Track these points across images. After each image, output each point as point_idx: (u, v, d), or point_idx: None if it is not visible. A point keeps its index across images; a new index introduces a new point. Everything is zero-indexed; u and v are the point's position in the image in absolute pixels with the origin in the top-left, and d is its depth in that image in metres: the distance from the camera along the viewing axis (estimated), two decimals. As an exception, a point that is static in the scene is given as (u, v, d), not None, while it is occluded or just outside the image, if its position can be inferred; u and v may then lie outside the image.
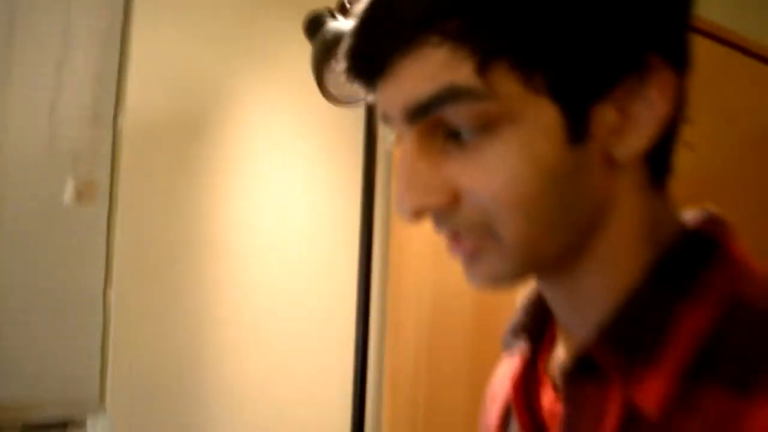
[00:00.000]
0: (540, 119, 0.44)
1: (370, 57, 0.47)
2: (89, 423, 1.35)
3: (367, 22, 0.46)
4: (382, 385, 1.60)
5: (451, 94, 0.44)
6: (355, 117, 1.49)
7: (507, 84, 0.44)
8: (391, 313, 1.58)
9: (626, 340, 0.46)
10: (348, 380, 1.35)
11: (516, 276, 0.49)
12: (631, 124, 0.46)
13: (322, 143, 1.57)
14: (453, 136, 0.46)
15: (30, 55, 1.30)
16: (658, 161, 0.50)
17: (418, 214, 0.48)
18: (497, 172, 0.45)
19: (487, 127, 0.45)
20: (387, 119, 0.49)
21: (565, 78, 0.44)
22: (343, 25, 1.24)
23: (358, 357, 1.32)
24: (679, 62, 0.47)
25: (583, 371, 0.48)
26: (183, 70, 1.43)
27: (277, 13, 1.50)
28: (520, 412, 0.55)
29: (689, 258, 0.48)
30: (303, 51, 1.25)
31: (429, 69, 0.44)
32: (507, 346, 0.59)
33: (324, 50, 1.24)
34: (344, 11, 1.30)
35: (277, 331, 1.49)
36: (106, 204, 1.34)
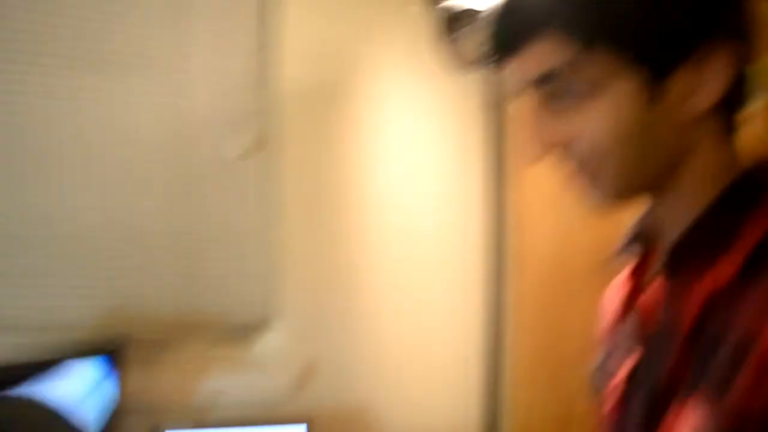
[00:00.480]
0: (625, 87, 0.63)
1: (506, 41, 0.67)
2: (265, 329, 1.73)
3: (503, 16, 0.67)
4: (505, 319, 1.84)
5: (564, 69, 0.64)
6: (474, 82, 1.71)
7: (602, 61, 0.63)
8: (516, 251, 1.82)
9: (709, 235, 0.66)
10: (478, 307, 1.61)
11: (618, 198, 0.69)
12: (699, 88, 0.63)
13: (445, 107, 1.82)
14: (564, 98, 0.66)
15: (202, 32, 1.60)
16: (726, 114, 0.67)
17: (543, 153, 0.68)
18: (593, 126, 0.65)
19: (588, 92, 0.64)
20: (516, 86, 0.69)
21: (644, 57, 0.63)
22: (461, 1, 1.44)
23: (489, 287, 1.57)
24: (738, 34, 0.64)
25: (676, 262, 0.67)
26: (327, 44, 1.71)
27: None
28: (632, 296, 0.75)
29: (752, 184, 0.66)
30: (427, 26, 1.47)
31: (549, 50, 0.64)
32: (620, 254, 0.78)
33: (445, 24, 1.46)
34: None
35: (412, 258, 1.79)
36: (269, 155, 1.65)
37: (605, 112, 0.64)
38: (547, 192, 1.69)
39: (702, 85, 0.64)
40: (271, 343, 1.74)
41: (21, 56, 1.47)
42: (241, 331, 1.72)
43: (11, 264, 1.47)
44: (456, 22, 1.45)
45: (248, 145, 1.61)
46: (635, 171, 0.67)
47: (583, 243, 1.59)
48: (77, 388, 1.34)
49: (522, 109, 0.70)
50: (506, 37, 0.67)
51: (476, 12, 1.45)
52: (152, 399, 1.52)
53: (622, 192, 0.68)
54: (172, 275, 1.58)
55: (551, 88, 0.66)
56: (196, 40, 1.59)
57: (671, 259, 0.68)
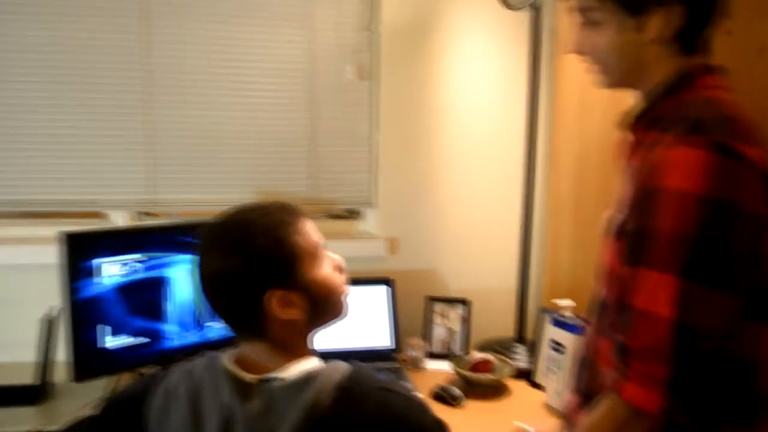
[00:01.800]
0: (621, 22, 1.05)
1: None
2: (365, 211, 2.25)
3: None
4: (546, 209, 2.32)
5: (586, 6, 1.08)
6: (525, 23, 2.06)
7: (609, 4, 1.05)
8: (553, 149, 2.27)
9: (643, 112, 1.09)
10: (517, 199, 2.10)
11: (615, 86, 1.13)
12: (662, 22, 1.03)
13: (506, 37, 2.20)
14: (588, 24, 1.09)
15: None
16: (685, 41, 1.06)
17: (577, 53, 1.13)
18: (601, 43, 1.08)
19: (599, 23, 1.07)
20: (570, 10, 1.14)
21: (629, 7, 1.04)
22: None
23: (526, 184, 2.06)
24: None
25: (633, 127, 1.11)
26: None
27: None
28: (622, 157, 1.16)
29: (677, 83, 1.06)
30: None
31: None
32: (621, 126, 1.15)
33: None
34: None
35: (472, 156, 2.23)
36: (372, 80, 2.14)
37: (608, 36, 1.07)
38: (575, 103, 2.09)
39: (666, 21, 1.03)
40: (369, 221, 2.25)
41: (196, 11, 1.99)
42: (349, 212, 2.26)
43: (186, 161, 2.05)
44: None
45: (358, 73, 2.10)
46: (622, 72, 1.10)
47: (601, 142, 1.95)
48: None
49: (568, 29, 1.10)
50: None
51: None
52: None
53: (616, 83, 1.13)
54: (301, 170, 2.13)
55: (583, 15, 1.09)
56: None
57: (631, 126, 1.10)
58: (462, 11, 2.16)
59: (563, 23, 2.11)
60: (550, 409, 1.76)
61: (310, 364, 1.01)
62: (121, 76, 1.97)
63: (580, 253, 2.05)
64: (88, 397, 1.67)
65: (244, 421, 0.95)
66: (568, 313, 1.79)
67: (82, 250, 1.60)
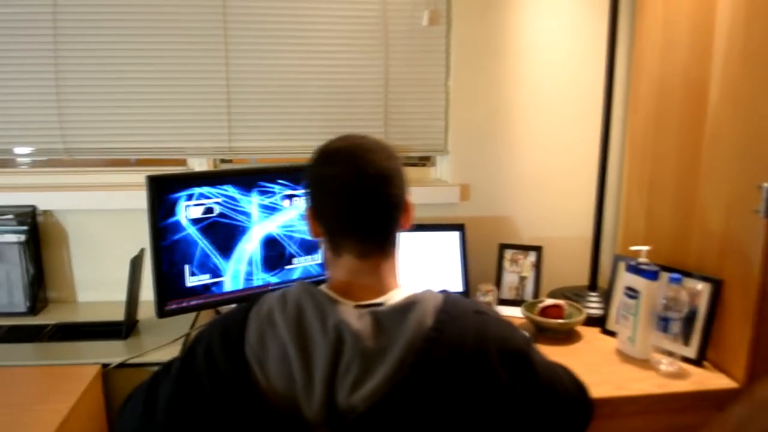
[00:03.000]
0: None
1: None
2: (438, 158, 2.26)
3: None
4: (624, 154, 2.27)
5: None
6: None
7: None
8: (632, 92, 2.21)
9: None
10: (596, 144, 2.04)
11: None
12: None
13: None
14: None
15: None
16: None
17: None
18: None
19: None
20: None
21: None
22: None
23: (604, 131, 2.02)
24: None
25: None
26: None
27: None
28: None
29: None
30: None
31: None
32: None
33: None
34: None
35: (548, 106, 2.21)
36: (446, 26, 2.13)
37: None
38: (657, 43, 2.02)
39: None
40: (442, 168, 2.26)
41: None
42: (422, 159, 2.28)
43: (261, 110, 2.10)
44: None
45: (432, 19, 2.08)
46: None
47: (682, 85, 1.86)
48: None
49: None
50: None
51: None
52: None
53: None
54: (375, 117, 2.14)
55: None
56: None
57: None
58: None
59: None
60: (621, 354, 1.74)
61: (408, 290, 1.10)
62: (201, 28, 2.02)
63: (657, 199, 2.00)
64: (171, 333, 1.78)
65: (354, 342, 0.99)
66: (643, 259, 1.75)
67: (165, 191, 1.68)
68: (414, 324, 0.99)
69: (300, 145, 2.11)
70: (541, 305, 1.89)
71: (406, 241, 2.04)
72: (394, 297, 1.07)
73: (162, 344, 1.71)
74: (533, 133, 2.22)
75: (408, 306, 1.02)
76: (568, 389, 1.14)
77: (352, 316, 1.01)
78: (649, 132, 2.05)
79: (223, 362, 1.02)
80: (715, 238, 1.70)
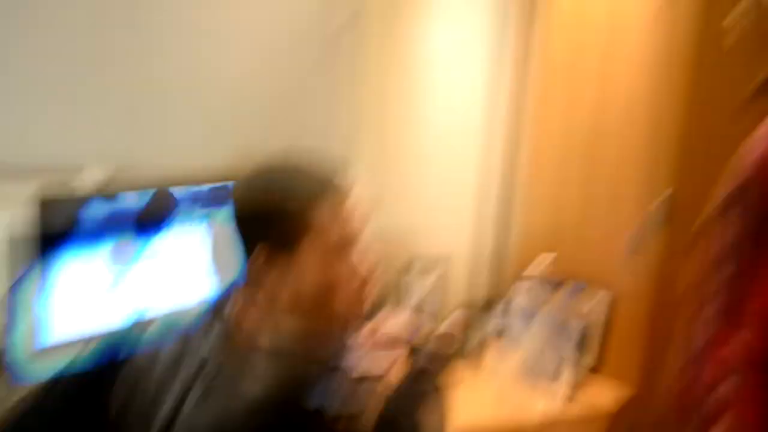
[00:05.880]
0: None
1: None
2: (345, 164, 2.19)
3: None
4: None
5: None
6: None
7: None
8: (537, 106, 2.23)
9: None
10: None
11: None
12: None
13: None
14: None
15: None
16: None
17: None
18: None
19: None
20: None
21: None
22: None
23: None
24: None
25: None
26: None
27: None
28: None
29: None
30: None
31: None
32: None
33: None
34: None
35: (451, 116, 2.19)
36: (355, 34, 2.06)
37: None
38: (562, 70, 2.06)
39: None
40: (351, 175, 2.21)
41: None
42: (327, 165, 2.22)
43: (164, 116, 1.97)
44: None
45: (341, 27, 2.02)
46: None
47: (581, 114, 1.95)
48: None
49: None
50: None
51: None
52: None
53: None
54: (279, 123, 2.04)
55: None
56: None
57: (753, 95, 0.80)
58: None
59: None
60: (521, 370, 1.75)
61: None
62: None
63: (558, 213, 2.04)
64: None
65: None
66: (543, 271, 1.77)
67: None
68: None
69: (202, 158, 1.99)
70: (435, 333, 1.87)
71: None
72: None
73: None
74: (441, 141, 2.21)
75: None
76: None
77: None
78: (553, 150, 2.09)
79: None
80: (612, 252, 1.74)
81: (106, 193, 1.65)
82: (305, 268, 0.92)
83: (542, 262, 1.81)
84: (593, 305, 1.72)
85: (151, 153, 1.97)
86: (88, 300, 1.62)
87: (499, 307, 2.04)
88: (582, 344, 1.72)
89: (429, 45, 2.15)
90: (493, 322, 1.95)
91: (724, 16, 0.87)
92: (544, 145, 2.11)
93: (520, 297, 1.81)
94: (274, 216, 0.94)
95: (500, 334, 1.91)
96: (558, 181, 2.06)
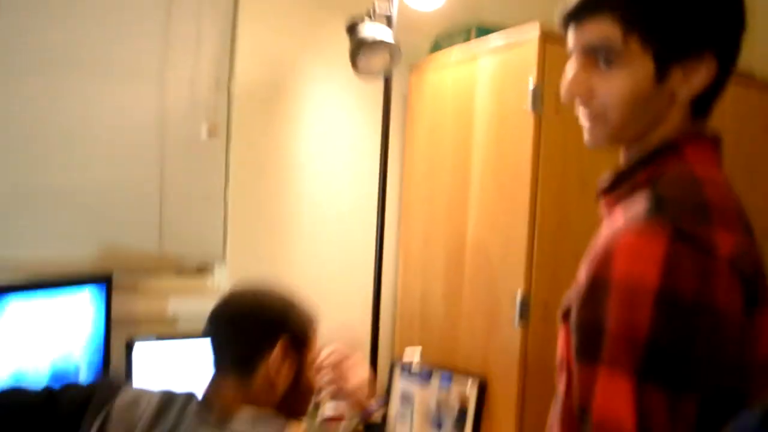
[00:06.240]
0: (644, 66, 0.82)
1: (572, 16, 0.87)
2: (215, 268, 2.21)
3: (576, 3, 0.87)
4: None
5: (605, 44, 0.83)
6: (377, 89, 2.16)
7: (634, 44, 0.81)
8: (403, 208, 2.37)
9: (618, 175, 0.88)
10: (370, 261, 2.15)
11: (608, 143, 0.89)
12: (686, 83, 0.83)
13: (360, 105, 2.30)
14: (598, 64, 0.85)
15: (175, 45, 2.05)
16: (698, 106, 0.86)
17: (571, 98, 0.88)
18: (614, 90, 0.84)
19: (616, 64, 0.83)
20: (570, 50, 0.88)
21: (661, 48, 0.81)
22: (370, 30, 1.91)
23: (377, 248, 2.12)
24: (725, 59, 0.84)
25: (603, 193, 0.91)
26: (272, 55, 2.17)
27: (336, 17, 2.12)
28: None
29: (659, 152, 0.86)
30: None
31: (598, 28, 0.83)
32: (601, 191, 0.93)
33: (357, 44, 1.90)
34: (373, 16, 2.00)
35: (326, 219, 2.28)
36: (225, 138, 2.14)
37: (623, 81, 0.83)
38: (424, 189, 2.21)
39: (691, 80, 0.84)
40: (220, 276, 2.21)
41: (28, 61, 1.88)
42: (200, 267, 2.21)
43: (27, 216, 1.91)
44: (366, 46, 1.89)
45: (210, 131, 2.09)
46: (627, 128, 0.87)
47: (448, 204, 2.07)
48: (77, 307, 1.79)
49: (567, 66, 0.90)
50: (575, 10, 0.86)
51: (381, 42, 1.88)
52: (131, 316, 1.93)
53: (612, 140, 0.89)
54: (151, 224, 2.05)
55: (592, 55, 0.86)
56: (172, 51, 2.04)
57: (601, 192, 0.91)
58: (316, 74, 2.24)
59: (414, 92, 2.25)
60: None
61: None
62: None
63: (428, 305, 2.14)
64: None
65: None
66: (416, 361, 1.84)
67: None
68: None
69: (65, 253, 1.93)
70: (322, 416, 1.88)
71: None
72: None
73: None
74: (311, 242, 2.27)
75: None
76: None
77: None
78: (419, 249, 2.21)
79: None
80: (480, 341, 1.85)
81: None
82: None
83: (411, 354, 1.88)
84: (465, 391, 1.80)
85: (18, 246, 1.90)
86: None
87: (379, 395, 2.08)
88: (458, 431, 1.79)
89: (302, 145, 2.25)
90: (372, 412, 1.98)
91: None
92: (412, 244, 2.23)
93: (397, 386, 1.86)
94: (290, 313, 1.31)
95: (380, 422, 1.94)
96: (424, 273, 2.18)
